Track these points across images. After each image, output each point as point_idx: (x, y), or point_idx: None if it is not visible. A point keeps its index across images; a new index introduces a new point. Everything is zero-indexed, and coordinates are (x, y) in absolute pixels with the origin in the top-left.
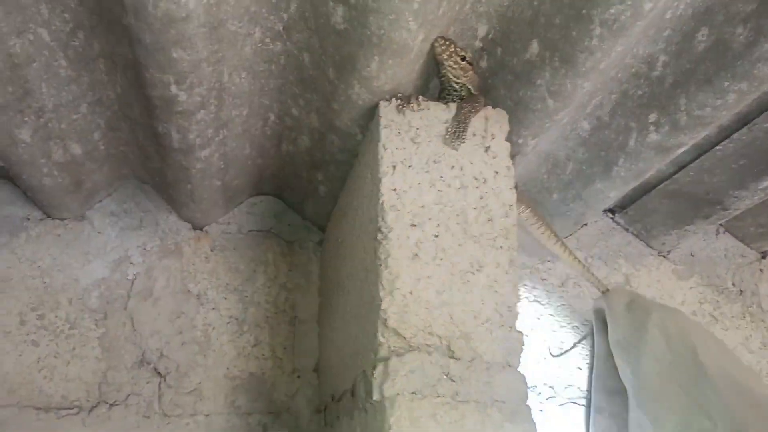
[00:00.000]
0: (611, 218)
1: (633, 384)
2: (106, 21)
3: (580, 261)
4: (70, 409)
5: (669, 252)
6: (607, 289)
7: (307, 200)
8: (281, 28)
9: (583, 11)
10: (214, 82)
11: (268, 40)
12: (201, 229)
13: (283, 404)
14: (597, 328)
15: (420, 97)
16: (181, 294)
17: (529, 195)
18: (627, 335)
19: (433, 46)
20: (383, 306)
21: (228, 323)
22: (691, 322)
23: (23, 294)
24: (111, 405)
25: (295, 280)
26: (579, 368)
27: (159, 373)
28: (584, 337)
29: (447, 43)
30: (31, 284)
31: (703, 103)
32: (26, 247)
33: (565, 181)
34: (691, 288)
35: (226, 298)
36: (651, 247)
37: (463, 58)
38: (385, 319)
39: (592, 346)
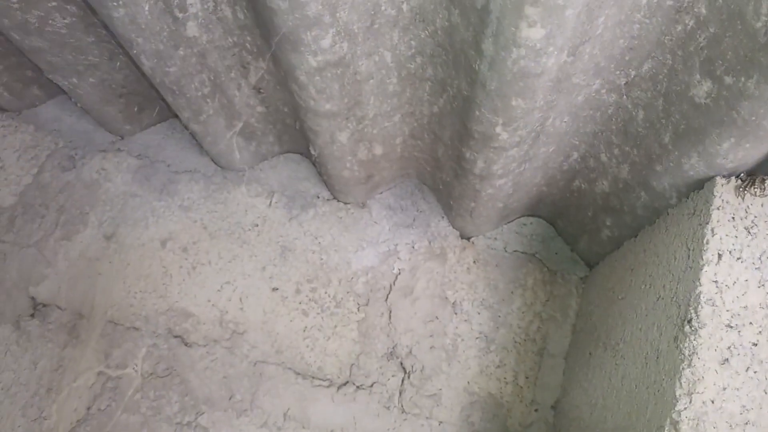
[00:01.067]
0: None
1: None
2: (451, 56)
3: None
4: (323, 380)
5: None
6: None
7: (583, 236)
8: (623, 83)
9: None
10: (537, 125)
11: (604, 91)
12: (468, 239)
13: None
14: None
15: (767, 179)
16: (439, 299)
17: None
18: None
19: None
20: (677, 407)
21: (477, 338)
22: None
23: (302, 265)
24: (358, 387)
25: (551, 311)
26: None
27: (405, 369)
28: None
29: None
30: (310, 258)
31: None
32: (312, 223)
33: None
34: None
35: (479, 313)
36: None
37: None
38: (677, 422)
39: None
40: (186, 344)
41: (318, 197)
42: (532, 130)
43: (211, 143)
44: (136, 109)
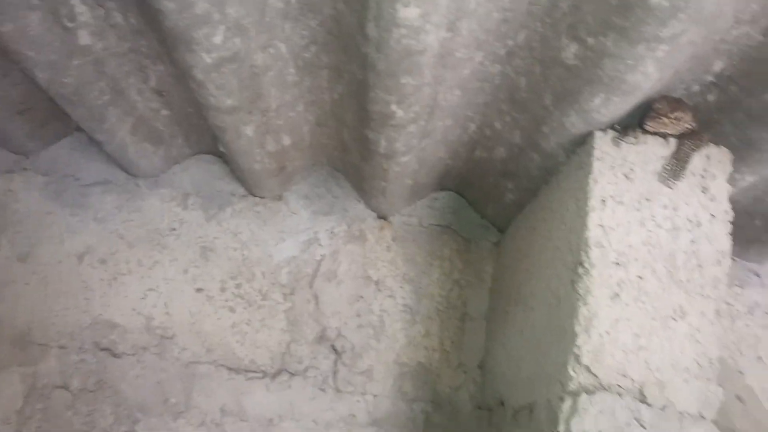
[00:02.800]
0: None
1: None
2: (341, 42)
3: None
4: (256, 372)
5: None
6: None
7: (490, 202)
8: (504, 53)
9: None
10: (429, 100)
11: (487, 62)
12: (385, 219)
13: (446, 396)
14: None
15: (639, 129)
16: (362, 279)
17: None
18: None
19: (643, 127)
20: (578, 342)
21: (402, 311)
22: None
23: (225, 263)
24: (292, 374)
25: (468, 277)
26: None
27: (336, 350)
28: None
29: (657, 121)
30: (232, 255)
31: None
32: (230, 221)
33: None
34: None
35: (402, 288)
36: None
37: (678, 118)
38: (579, 356)
39: None
40: (114, 355)
41: (233, 195)
42: (426, 106)
43: (118, 152)
44: (38, 125)
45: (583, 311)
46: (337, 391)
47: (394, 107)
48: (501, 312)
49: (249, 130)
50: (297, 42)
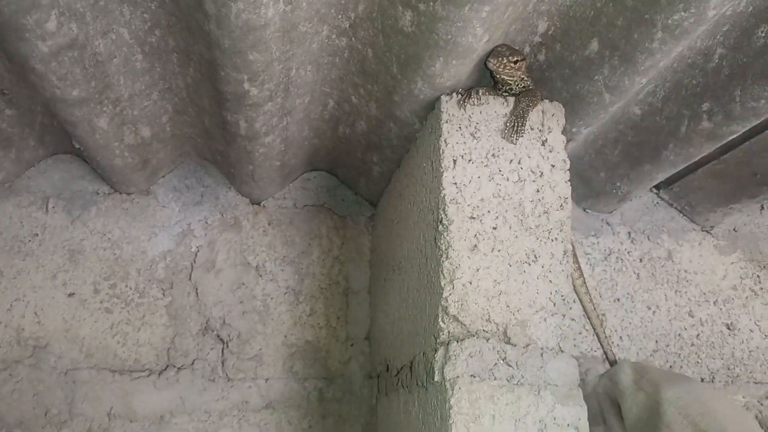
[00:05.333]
0: (656, 194)
1: None
2: (184, 23)
3: (601, 326)
4: (141, 371)
5: (712, 227)
6: (615, 361)
7: (360, 177)
8: (347, 25)
9: (646, 16)
10: (282, 77)
11: (334, 36)
12: (259, 204)
13: (338, 370)
14: (608, 411)
15: (480, 90)
16: (242, 266)
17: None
18: (642, 417)
19: (486, 64)
20: (444, 294)
21: (285, 293)
22: (710, 393)
23: (96, 264)
24: (179, 369)
25: (348, 253)
26: None
27: (222, 340)
28: None
29: (499, 59)
30: (103, 255)
31: (758, 95)
32: (97, 221)
33: (613, 161)
34: (732, 263)
35: (283, 270)
36: (694, 223)
37: (516, 61)
38: (446, 307)
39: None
40: None
41: (98, 193)
42: (280, 83)
43: None
44: None
45: (446, 265)
46: (228, 379)
47: (246, 86)
48: (381, 281)
49: (103, 123)
50: (139, 26)
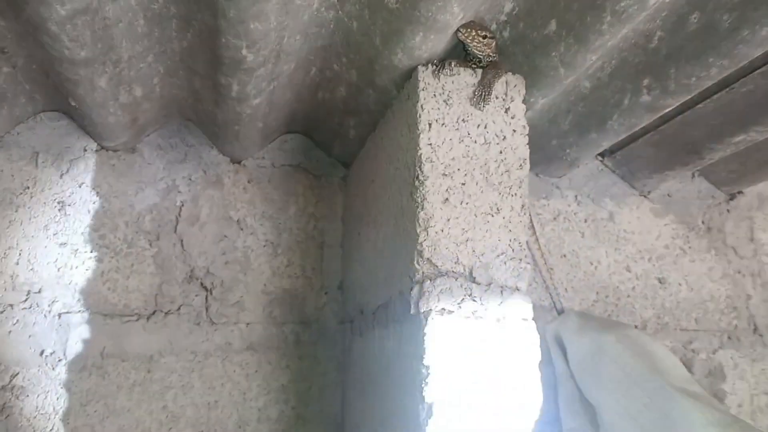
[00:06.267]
0: (601, 161)
1: (599, 404)
2: None
3: (550, 279)
4: (131, 316)
5: (649, 192)
6: (562, 310)
7: (336, 140)
8: (336, 0)
9: (598, 1)
10: (275, 45)
11: (323, 9)
12: (239, 163)
13: (313, 316)
14: (555, 353)
15: (452, 62)
16: (224, 220)
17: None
18: (586, 357)
19: (457, 34)
20: (419, 240)
21: (264, 246)
22: (644, 338)
23: (85, 217)
24: (166, 313)
25: (322, 210)
26: None
27: (206, 287)
28: None
29: (468, 30)
30: (92, 208)
31: (690, 74)
32: (85, 175)
33: (564, 129)
34: (666, 225)
35: (262, 225)
36: (634, 188)
37: (485, 36)
38: (421, 251)
39: (554, 371)
40: None
41: (86, 150)
42: (273, 50)
43: None
44: None
45: (421, 215)
46: (212, 323)
47: (244, 52)
48: (355, 235)
49: (102, 82)
50: None
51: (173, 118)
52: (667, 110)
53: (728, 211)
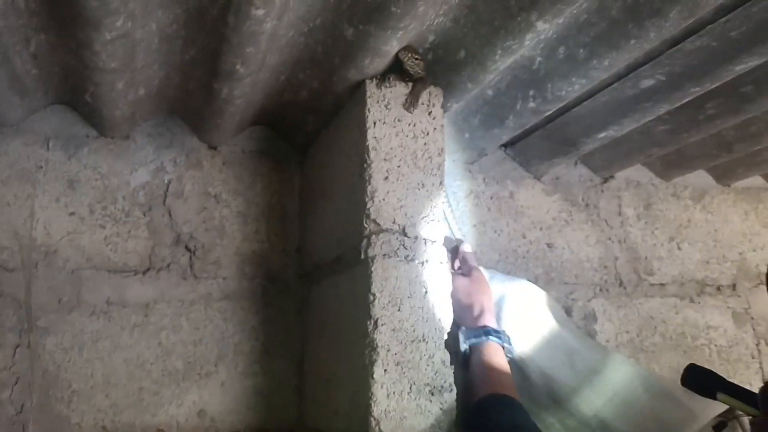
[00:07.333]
0: (504, 151)
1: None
2: (203, 24)
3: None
4: (130, 272)
5: (541, 176)
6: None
7: (296, 132)
8: (306, 30)
9: (492, 41)
10: (261, 61)
11: (297, 35)
12: (215, 149)
13: (277, 273)
14: None
15: (392, 77)
16: (203, 195)
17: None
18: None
19: (398, 55)
20: (368, 207)
21: (236, 216)
22: (536, 289)
23: (90, 191)
24: (158, 270)
25: (283, 188)
26: None
27: (189, 249)
28: None
29: (406, 52)
30: (95, 185)
31: (561, 88)
32: (89, 158)
33: (474, 126)
34: (554, 202)
35: (235, 199)
36: (529, 172)
37: (417, 58)
38: (369, 215)
39: None
40: (8, 270)
41: (88, 136)
42: (258, 64)
43: None
44: None
45: (368, 189)
46: (195, 278)
47: (238, 67)
48: (311, 208)
49: (120, 85)
50: (164, 22)
51: (162, 112)
52: (548, 113)
53: (602, 191)
